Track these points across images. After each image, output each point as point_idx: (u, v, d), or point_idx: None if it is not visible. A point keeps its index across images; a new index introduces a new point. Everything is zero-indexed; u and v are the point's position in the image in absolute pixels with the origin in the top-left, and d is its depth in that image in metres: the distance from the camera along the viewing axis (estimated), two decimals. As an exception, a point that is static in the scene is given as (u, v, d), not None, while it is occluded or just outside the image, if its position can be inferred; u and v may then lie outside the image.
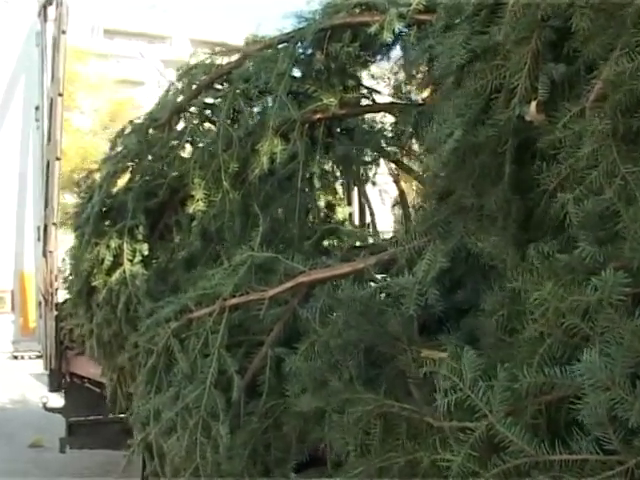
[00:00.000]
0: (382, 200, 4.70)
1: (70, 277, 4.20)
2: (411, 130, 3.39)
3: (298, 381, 2.51)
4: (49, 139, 7.52)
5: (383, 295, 2.34)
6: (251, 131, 3.30)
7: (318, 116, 3.40)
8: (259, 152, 3.30)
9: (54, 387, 7.69)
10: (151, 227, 3.72)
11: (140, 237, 3.68)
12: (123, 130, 4.08)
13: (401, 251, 2.31)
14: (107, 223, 3.82)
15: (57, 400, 7.98)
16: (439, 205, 2.24)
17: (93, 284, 3.79)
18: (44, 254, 7.35)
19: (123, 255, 3.70)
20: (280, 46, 3.41)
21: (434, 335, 2.13)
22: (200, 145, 3.44)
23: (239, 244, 3.43)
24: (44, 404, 7.66)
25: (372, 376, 2.24)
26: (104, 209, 3.72)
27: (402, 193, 4.53)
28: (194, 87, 3.57)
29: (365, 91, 3.64)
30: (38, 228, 7.75)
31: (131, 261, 3.69)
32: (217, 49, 3.66)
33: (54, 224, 7.20)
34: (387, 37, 3.11)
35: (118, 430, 7.99)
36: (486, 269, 2.11)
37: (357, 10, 3.28)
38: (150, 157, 3.61)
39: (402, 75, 3.43)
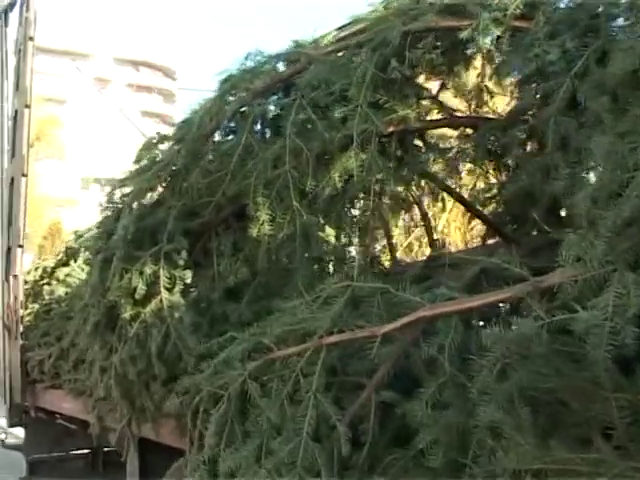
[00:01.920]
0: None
1: (88, 307, 3.67)
2: (493, 147, 3.09)
3: (429, 432, 2.16)
4: (13, 154, 6.92)
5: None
6: (323, 144, 2.91)
7: (391, 129, 3.05)
8: (329, 168, 2.94)
9: (14, 422, 7.05)
10: (188, 252, 3.27)
11: (181, 263, 3.23)
12: (150, 142, 3.62)
13: (571, 281, 1.98)
14: (137, 247, 3.33)
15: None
16: (623, 230, 1.92)
17: (123, 316, 3.30)
18: (6, 278, 6.72)
19: (159, 283, 3.23)
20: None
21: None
22: (258, 159, 3.02)
23: (312, 272, 3.07)
24: (2, 441, 7.01)
25: (546, 426, 1.91)
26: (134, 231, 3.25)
27: (425, 216, 4.23)
28: (245, 94, 3.16)
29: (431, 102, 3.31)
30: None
31: (169, 290, 3.24)
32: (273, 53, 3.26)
33: (20, 246, 6.61)
34: (484, 43, 2.82)
35: (82, 466, 7.43)
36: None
37: (442, 14, 2.96)
38: (197, 171, 3.16)
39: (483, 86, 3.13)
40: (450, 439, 2.15)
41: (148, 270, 3.23)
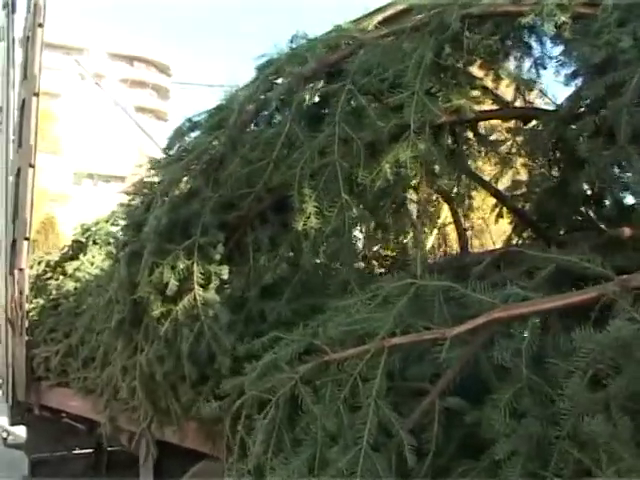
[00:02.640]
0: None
1: (112, 303, 3.48)
2: (552, 141, 2.92)
3: (507, 442, 1.99)
4: (20, 144, 6.72)
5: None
6: (375, 133, 2.74)
7: (443, 119, 2.88)
8: (378, 159, 2.76)
9: (16, 421, 6.86)
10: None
11: (216, 257, 3.04)
12: (180, 130, 3.43)
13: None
14: (168, 240, 3.14)
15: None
16: None
17: (152, 313, 3.11)
18: (11, 272, 6.51)
19: (192, 279, 3.05)
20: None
21: None
22: (304, 148, 2.84)
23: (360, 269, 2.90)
24: (4, 439, 6.81)
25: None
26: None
27: (455, 213, 4.06)
28: (290, 79, 2.97)
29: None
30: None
31: (203, 286, 3.05)
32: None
33: (26, 239, 6.41)
34: (549, 29, 2.65)
35: (84, 466, 7.24)
36: None
37: (501, -2, 2.79)
38: (236, 160, 2.97)
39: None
40: (529, 449, 1.98)
41: (181, 265, 3.04)
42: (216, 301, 3.02)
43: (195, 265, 3.06)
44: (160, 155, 3.70)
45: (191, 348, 3.06)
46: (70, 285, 6.10)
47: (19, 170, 6.62)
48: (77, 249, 6.74)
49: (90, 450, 7.19)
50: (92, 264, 6.14)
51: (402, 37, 2.86)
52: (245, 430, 2.60)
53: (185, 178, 3.15)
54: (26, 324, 6.34)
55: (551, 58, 2.90)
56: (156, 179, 3.35)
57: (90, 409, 5.37)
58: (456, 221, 3.94)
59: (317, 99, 3.03)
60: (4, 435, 6.77)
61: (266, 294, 3.15)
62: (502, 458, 2.00)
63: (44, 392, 6.27)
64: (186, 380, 3.28)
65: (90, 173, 45.77)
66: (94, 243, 6.43)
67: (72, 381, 5.63)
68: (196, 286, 3.05)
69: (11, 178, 6.85)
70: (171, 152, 3.41)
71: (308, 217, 2.74)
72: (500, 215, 3.85)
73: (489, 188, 3.66)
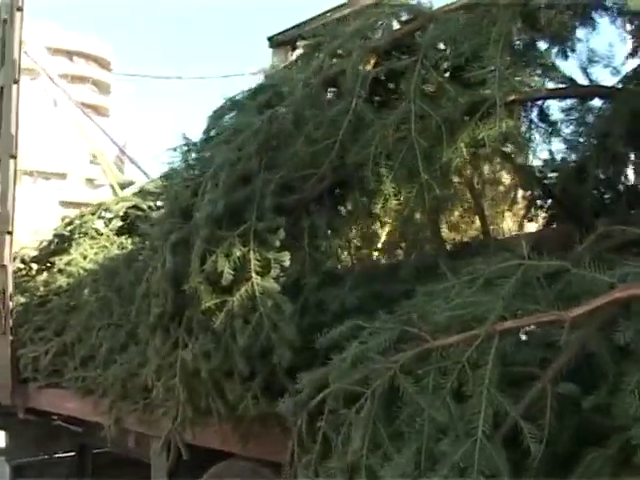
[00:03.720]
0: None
1: (148, 297, 3.25)
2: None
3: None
4: (-1, 134, 6.37)
5: None
6: (454, 109, 2.61)
7: (512, 97, 2.77)
8: (455, 137, 2.64)
9: (-3, 425, 6.53)
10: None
11: (276, 243, 2.86)
12: (220, 111, 3.23)
13: None
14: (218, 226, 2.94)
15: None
16: None
17: (202, 306, 2.91)
18: (-10, 268, 6.17)
19: (249, 267, 2.86)
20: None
21: None
22: (378, 125, 2.69)
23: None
24: (-16, 445, 6.47)
25: None
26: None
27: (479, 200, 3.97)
28: (358, 53, 2.81)
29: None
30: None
31: (261, 275, 2.87)
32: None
33: (9, 232, 6.07)
34: (635, 5, 2.57)
35: (68, 470, 6.93)
36: None
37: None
38: (301, 139, 2.79)
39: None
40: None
41: (237, 252, 2.85)
42: (276, 290, 2.84)
43: (252, 252, 2.87)
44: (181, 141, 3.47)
45: (248, 341, 2.87)
46: (61, 281, 5.79)
47: (-1, 161, 6.27)
48: (60, 243, 6.42)
49: (73, 453, 6.89)
50: (85, 258, 5.84)
51: (477, 11, 2.73)
52: (330, 427, 2.43)
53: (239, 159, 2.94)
54: (10, 323, 6.00)
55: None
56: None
57: (90, 411, 5.10)
58: (478, 205, 3.83)
59: (383, 75, 2.87)
60: (-16, 441, 6.42)
61: (324, 282, 2.99)
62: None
63: (32, 394, 5.95)
64: (233, 376, 3.10)
65: (29, 170, 44.46)
66: (84, 235, 6.11)
67: (68, 382, 5.34)
68: (254, 274, 2.86)
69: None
70: (211, 134, 3.20)
71: (387, 199, 2.59)
72: (515, 201, 3.78)
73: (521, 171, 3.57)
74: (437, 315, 2.25)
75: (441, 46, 2.81)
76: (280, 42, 9.06)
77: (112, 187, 12.25)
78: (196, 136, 3.43)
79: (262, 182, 2.88)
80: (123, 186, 11.07)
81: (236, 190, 2.91)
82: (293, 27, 9.14)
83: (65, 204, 32.72)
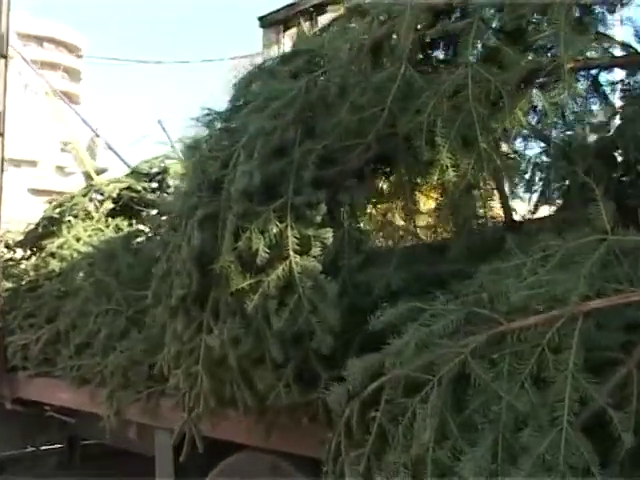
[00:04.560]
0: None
1: (169, 277, 3.01)
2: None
3: None
4: (-15, 111, 6.05)
5: None
6: (516, 74, 2.41)
7: (571, 64, 2.57)
8: (513, 105, 2.44)
9: (-18, 417, 6.22)
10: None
11: (317, 219, 2.64)
12: (248, 77, 2.99)
13: None
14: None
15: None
16: None
17: (234, 288, 2.69)
18: (-23, 252, 5.86)
19: (285, 245, 2.64)
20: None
21: None
22: (432, 92, 2.48)
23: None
24: (-30, 438, 6.18)
25: None
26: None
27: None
28: (409, 15, 2.58)
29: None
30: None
31: (299, 254, 2.65)
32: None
33: (-5, 215, 5.77)
34: None
35: (57, 462, 6.67)
36: None
37: None
38: (346, 106, 2.57)
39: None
40: None
41: (274, 228, 2.63)
42: (318, 270, 2.62)
43: (289, 229, 2.65)
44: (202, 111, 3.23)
45: (285, 325, 2.65)
46: (54, 265, 5.49)
47: (-15, 140, 5.94)
48: (49, 226, 6.12)
49: (61, 445, 6.64)
50: (78, 240, 5.55)
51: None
52: (388, 417, 2.23)
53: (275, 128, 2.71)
54: (-1, 309, 5.71)
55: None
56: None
57: (86, 401, 4.84)
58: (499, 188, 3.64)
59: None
60: (-32, 433, 6.11)
61: (365, 263, 2.79)
62: None
63: (21, 384, 5.66)
64: (264, 363, 2.89)
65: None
66: (75, 217, 5.82)
67: (61, 370, 5.07)
68: (292, 253, 2.64)
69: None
70: (238, 103, 2.97)
71: (445, 170, 2.38)
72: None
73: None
74: (512, 295, 2.05)
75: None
76: (272, 22, 8.82)
77: (85, 174, 11.91)
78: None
79: (301, 153, 2.65)
80: (97, 173, 10.78)
81: (271, 162, 2.68)
82: (285, 7, 8.91)
83: (36, 192, 32.04)
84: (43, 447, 6.61)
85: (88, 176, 10.86)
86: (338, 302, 2.73)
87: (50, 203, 6.48)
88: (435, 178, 2.38)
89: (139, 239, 5.28)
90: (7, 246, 6.68)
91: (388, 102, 2.54)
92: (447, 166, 2.38)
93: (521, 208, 3.11)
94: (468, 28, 2.51)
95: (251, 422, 3.27)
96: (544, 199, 3.40)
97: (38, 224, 6.39)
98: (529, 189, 3.44)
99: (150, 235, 5.36)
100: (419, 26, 2.57)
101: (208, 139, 2.95)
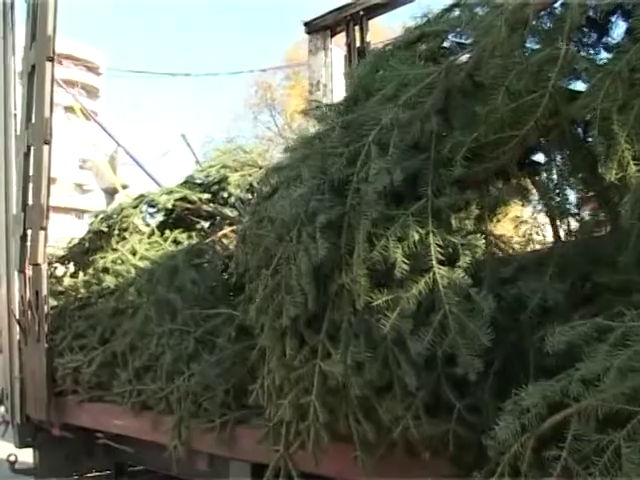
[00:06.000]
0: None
1: (276, 295, 2.62)
2: None
3: None
4: (28, 118, 5.71)
5: None
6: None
7: None
8: None
9: (25, 442, 5.84)
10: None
11: (465, 225, 2.26)
12: (369, 62, 2.61)
13: None
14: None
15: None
16: None
17: (362, 305, 2.30)
18: (21, 269, 5.51)
19: (429, 254, 2.25)
20: None
21: None
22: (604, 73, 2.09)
23: None
24: (12, 464, 5.78)
25: None
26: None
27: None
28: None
29: None
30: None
31: (442, 263, 2.26)
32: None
33: (42, 228, 5.41)
34: None
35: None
36: None
37: None
38: (502, 91, 2.19)
39: None
40: None
41: (415, 235, 2.24)
42: (468, 284, 2.23)
43: (431, 235, 2.26)
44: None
45: (429, 348, 2.25)
46: (108, 280, 5.11)
47: (29, 148, 5.60)
48: (97, 240, 5.76)
49: (108, 472, 6.24)
50: (134, 254, 5.18)
51: None
52: (575, 457, 1.82)
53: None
54: (45, 329, 5.33)
55: None
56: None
57: (147, 429, 4.44)
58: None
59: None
60: (12, 459, 5.72)
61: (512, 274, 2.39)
62: None
63: (71, 409, 5.27)
64: (391, 392, 2.49)
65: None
66: (124, 231, 5.46)
67: (117, 395, 4.67)
68: (435, 264, 2.25)
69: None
70: (359, 93, 2.59)
71: (627, 164, 1.99)
72: None
73: None
74: None
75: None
76: (319, 27, 8.49)
77: (106, 190, 11.68)
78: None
79: (447, 147, 2.27)
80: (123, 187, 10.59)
81: (409, 158, 2.29)
82: (332, 11, 8.57)
83: (55, 209, 31.85)
84: (89, 474, 6.21)
85: (109, 192, 10.57)
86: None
87: (96, 217, 6.12)
88: (613, 174, 1.98)
89: (204, 254, 4.87)
90: (49, 262, 6.33)
91: (549, 86, 2.15)
92: (626, 158, 1.99)
93: None
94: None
95: (361, 457, 2.86)
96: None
97: (84, 238, 6.04)
98: None
99: (215, 249, 4.96)
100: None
101: (324, 135, 2.56)
